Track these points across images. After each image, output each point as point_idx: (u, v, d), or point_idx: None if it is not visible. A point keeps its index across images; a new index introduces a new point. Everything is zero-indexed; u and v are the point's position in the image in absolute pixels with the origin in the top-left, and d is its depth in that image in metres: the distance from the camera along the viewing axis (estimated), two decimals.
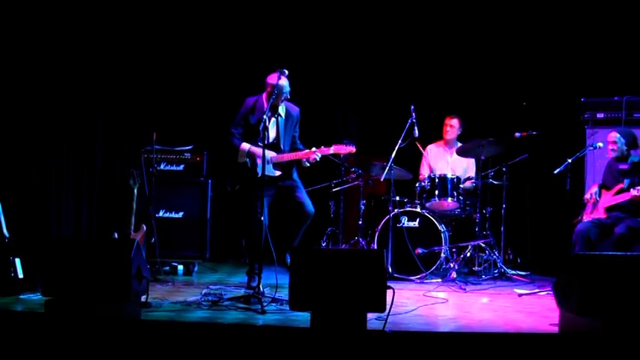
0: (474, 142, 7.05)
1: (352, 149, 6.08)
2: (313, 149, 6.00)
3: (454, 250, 7.15)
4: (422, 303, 5.62)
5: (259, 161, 5.87)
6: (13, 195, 6.57)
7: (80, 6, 7.20)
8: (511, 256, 7.63)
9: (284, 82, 5.89)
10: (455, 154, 7.42)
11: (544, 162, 7.14)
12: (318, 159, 6.04)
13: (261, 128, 5.51)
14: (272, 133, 6.03)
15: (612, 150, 6.31)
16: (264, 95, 6.05)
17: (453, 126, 7.48)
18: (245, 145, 6.00)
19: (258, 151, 5.86)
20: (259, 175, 5.87)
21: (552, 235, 7.52)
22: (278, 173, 6.06)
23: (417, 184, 7.28)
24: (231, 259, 8.21)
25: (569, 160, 6.39)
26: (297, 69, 5.92)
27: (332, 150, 6.03)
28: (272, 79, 5.90)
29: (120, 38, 7.53)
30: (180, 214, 7.14)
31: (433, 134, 7.57)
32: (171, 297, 5.59)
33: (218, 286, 6.12)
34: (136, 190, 6.34)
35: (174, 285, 6.33)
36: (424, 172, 7.61)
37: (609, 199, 6.27)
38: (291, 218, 6.12)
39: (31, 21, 6.94)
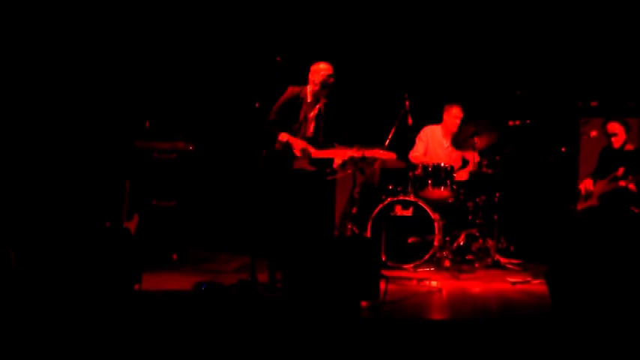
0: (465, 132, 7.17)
1: (392, 155, 6.04)
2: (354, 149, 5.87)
3: (447, 238, 7.15)
4: (415, 291, 5.63)
5: (296, 154, 5.77)
6: (6, 186, 6.56)
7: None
8: (504, 245, 7.64)
9: (328, 72, 5.84)
10: (450, 141, 7.44)
11: (538, 150, 7.14)
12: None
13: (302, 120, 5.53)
14: (311, 127, 5.96)
15: (617, 141, 6.29)
16: (307, 87, 5.92)
17: (459, 117, 7.43)
18: (284, 135, 5.76)
19: (296, 142, 5.75)
20: (292, 167, 5.80)
21: (546, 223, 7.54)
22: (312, 169, 5.97)
23: (410, 173, 7.27)
24: (225, 247, 8.20)
25: (563, 149, 6.40)
26: (289, 59, 5.88)
27: (372, 153, 5.95)
28: (317, 68, 5.85)
29: (115, 31, 7.49)
30: (174, 203, 7.13)
31: (425, 121, 7.54)
32: (165, 286, 5.58)
33: (212, 275, 6.12)
34: (128, 179, 6.32)
35: (168, 274, 6.33)
36: (420, 149, 7.56)
37: (603, 187, 6.29)
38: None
39: (25, 13, 6.89)
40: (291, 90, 5.87)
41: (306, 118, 5.86)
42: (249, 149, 5.86)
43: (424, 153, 7.50)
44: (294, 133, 5.81)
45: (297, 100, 5.85)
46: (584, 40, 7.71)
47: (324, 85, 5.86)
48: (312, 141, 5.89)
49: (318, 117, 5.97)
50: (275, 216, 5.79)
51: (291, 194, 5.80)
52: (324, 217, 6.06)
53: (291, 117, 5.83)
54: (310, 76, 5.89)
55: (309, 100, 5.89)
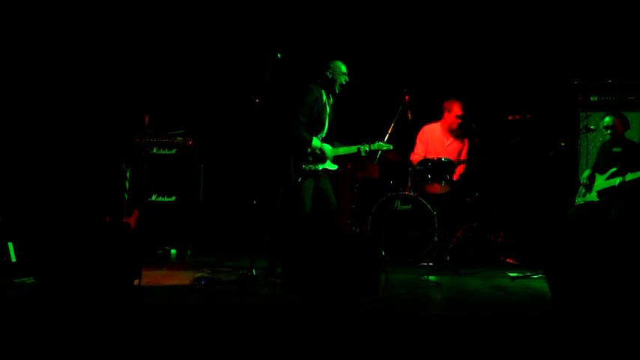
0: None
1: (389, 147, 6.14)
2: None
3: (447, 233, 7.15)
4: (415, 286, 5.63)
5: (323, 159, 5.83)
6: (4, 179, 6.56)
7: None
8: (504, 240, 7.64)
9: (343, 67, 5.85)
10: (451, 138, 7.42)
11: (537, 145, 7.14)
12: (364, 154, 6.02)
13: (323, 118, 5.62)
14: (326, 125, 5.93)
15: (610, 134, 6.29)
16: (320, 82, 5.86)
17: (459, 114, 7.38)
18: (317, 140, 5.80)
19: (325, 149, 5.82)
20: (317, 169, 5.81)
21: (545, 218, 7.53)
22: (334, 168, 5.97)
23: (409, 168, 7.26)
24: (225, 243, 8.19)
25: (563, 143, 6.39)
26: (288, 54, 5.86)
27: (375, 146, 6.05)
28: (338, 67, 5.83)
29: (113, 26, 7.48)
30: (173, 198, 7.13)
31: (424, 117, 7.53)
32: (165, 281, 5.59)
33: (211, 270, 6.12)
34: (128, 174, 6.32)
35: (168, 269, 6.33)
36: (420, 151, 7.55)
37: (602, 182, 6.28)
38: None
39: (25, 10, 6.89)
40: (314, 88, 5.82)
41: (321, 116, 5.84)
42: (279, 155, 5.80)
43: (425, 154, 7.47)
44: (312, 132, 5.79)
45: (320, 99, 5.83)
46: (584, 34, 7.69)
47: (341, 85, 5.87)
48: (327, 138, 5.92)
49: (330, 114, 5.96)
50: (279, 212, 5.78)
51: (310, 194, 5.78)
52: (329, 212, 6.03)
53: (314, 116, 5.80)
54: (328, 72, 5.83)
55: (325, 98, 5.88)
